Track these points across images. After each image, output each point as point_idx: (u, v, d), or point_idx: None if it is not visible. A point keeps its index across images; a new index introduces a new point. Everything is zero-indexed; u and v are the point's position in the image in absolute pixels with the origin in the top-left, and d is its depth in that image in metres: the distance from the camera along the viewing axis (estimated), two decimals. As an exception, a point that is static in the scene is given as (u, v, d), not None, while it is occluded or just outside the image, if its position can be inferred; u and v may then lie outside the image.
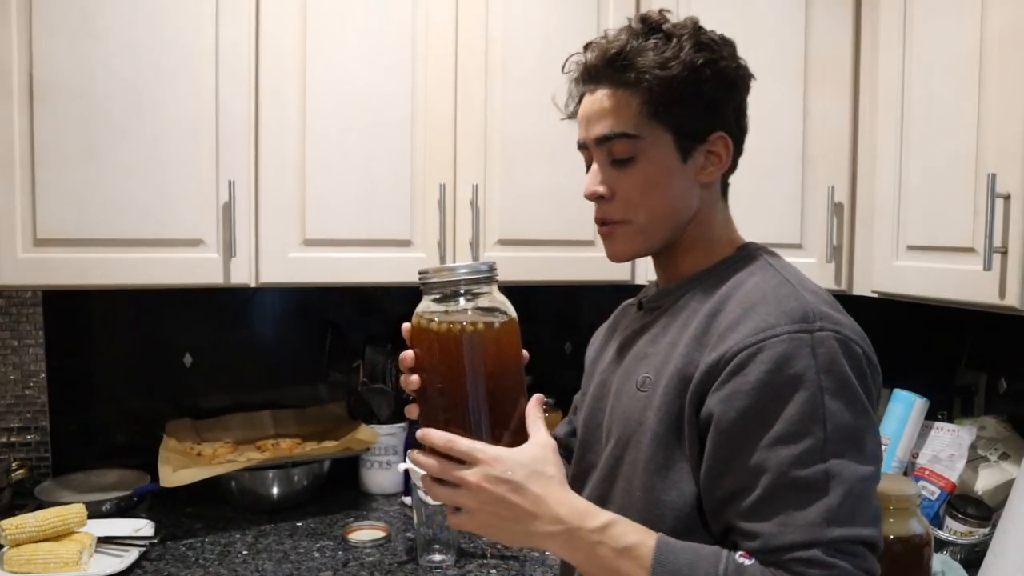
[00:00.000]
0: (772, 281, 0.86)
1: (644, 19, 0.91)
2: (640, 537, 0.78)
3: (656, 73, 0.87)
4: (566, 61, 0.96)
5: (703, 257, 0.94)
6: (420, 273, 0.84)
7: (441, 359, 0.82)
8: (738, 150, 0.94)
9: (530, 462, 0.80)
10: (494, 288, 0.86)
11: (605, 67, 0.90)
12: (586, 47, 0.94)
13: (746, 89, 0.94)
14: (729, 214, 0.98)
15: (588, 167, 0.96)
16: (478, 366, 0.82)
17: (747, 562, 0.74)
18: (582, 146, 0.96)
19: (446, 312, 0.83)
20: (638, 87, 0.89)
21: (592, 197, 0.95)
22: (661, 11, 0.92)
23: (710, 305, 0.87)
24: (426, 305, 0.84)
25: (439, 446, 0.80)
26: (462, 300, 0.83)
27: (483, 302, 0.84)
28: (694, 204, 0.93)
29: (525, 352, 0.91)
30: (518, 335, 0.87)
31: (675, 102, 0.89)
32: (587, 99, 0.94)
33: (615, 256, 0.97)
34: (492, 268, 0.85)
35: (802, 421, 0.75)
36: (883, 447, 1.55)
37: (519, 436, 0.83)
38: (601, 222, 0.96)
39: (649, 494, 0.84)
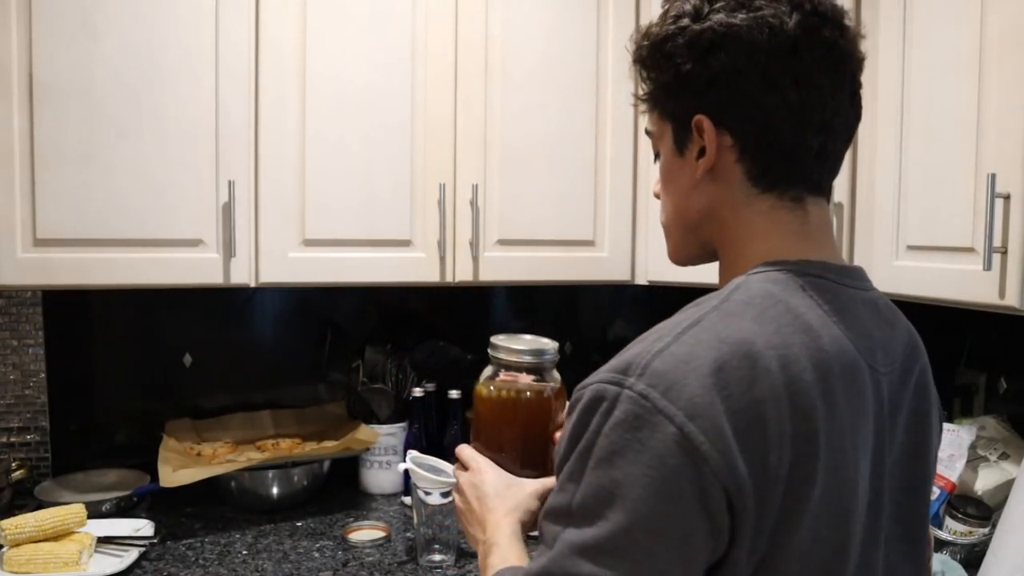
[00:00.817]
0: (677, 319, 0.69)
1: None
2: (495, 565, 0.85)
3: (644, 56, 0.78)
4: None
5: (727, 271, 0.79)
6: (491, 345, 1.06)
7: (501, 415, 1.05)
8: (744, 133, 0.74)
9: (503, 489, 0.95)
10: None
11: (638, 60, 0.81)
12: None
13: (737, 53, 0.72)
14: (794, 217, 0.76)
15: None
16: (527, 426, 1.04)
17: None
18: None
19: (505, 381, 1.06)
20: (645, 81, 0.80)
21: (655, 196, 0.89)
22: None
23: None
24: (492, 371, 1.07)
25: (459, 454, 1.03)
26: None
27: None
28: (699, 202, 0.79)
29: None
30: (564, 398, 1.04)
31: (660, 84, 0.78)
32: None
33: (670, 259, 0.88)
34: (555, 352, 1.05)
35: (568, 475, 0.66)
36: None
37: (545, 472, 1.00)
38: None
39: None
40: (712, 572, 0.64)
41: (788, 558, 0.65)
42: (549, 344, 1.07)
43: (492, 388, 1.05)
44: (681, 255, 0.85)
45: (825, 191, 0.79)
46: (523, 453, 1.03)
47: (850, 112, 0.77)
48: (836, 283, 0.75)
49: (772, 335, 0.66)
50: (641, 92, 0.81)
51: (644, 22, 0.88)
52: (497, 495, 0.95)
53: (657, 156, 0.84)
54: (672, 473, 0.60)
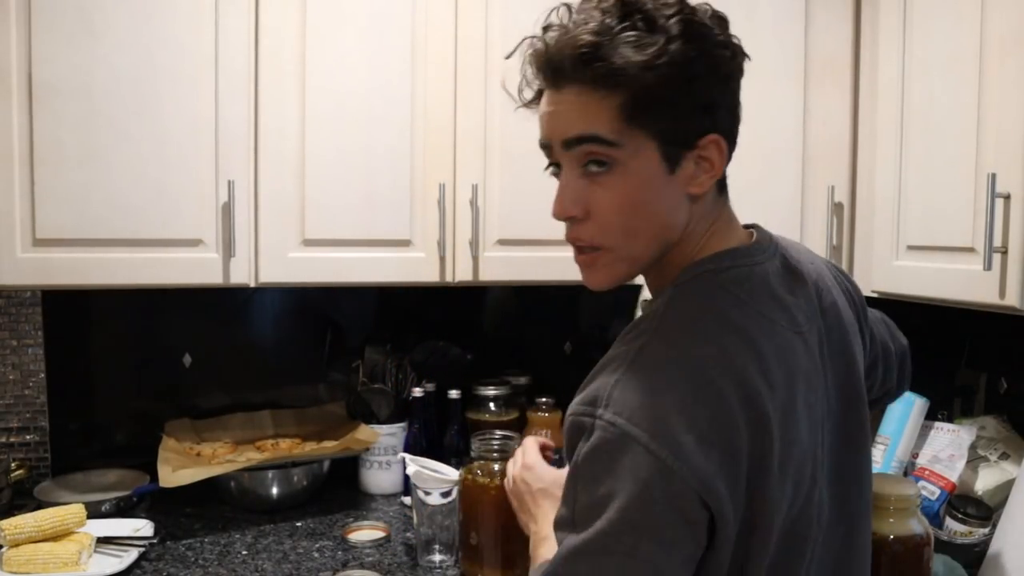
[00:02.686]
0: (625, 347, 0.76)
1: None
2: (544, 555, 0.93)
3: (637, 75, 0.73)
4: (518, 45, 0.82)
5: (668, 276, 0.83)
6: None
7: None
8: (732, 146, 0.81)
9: (550, 483, 1.05)
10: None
11: (574, 63, 0.75)
12: (545, 29, 0.79)
13: (741, 75, 0.80)
14: (724, 216, 0.84)
15: (556, 174, 0.83)
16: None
17: None
18: (544, 147, 0.83)
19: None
20: (615, 88, 0.74)
21: (560, 217, 0.81)
22: None
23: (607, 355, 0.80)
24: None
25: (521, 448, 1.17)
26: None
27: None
28: (683, 220, 0.80)
29: None
30: None
31: (661, 105, 0.74)
32: (549, 95, 0.80)
33: (596, 287, 0.83)
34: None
35: (565, 492, 0.77)
36: (883, 447, 1.55)
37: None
38: (576, 246, 0.82)
39: None
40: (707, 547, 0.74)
41: (763, 511, 0.75)
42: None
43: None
44: (625, 279, 0.83)
45: None
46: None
47: None
48: (748, 266, 0.82)
49: (709, 344, 0.75)
50: (610, 118, 0.75)
51: (554, 15, 0.82)
52: (542, 491, 1.05)
53: (598, 172, 0.78)
54: (644, 484, 0.69)
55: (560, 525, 0.76)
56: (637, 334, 0.77)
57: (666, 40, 0.73)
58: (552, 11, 0.80)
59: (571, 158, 0.79)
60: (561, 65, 0.77)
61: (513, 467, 1.14)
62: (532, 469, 1.09)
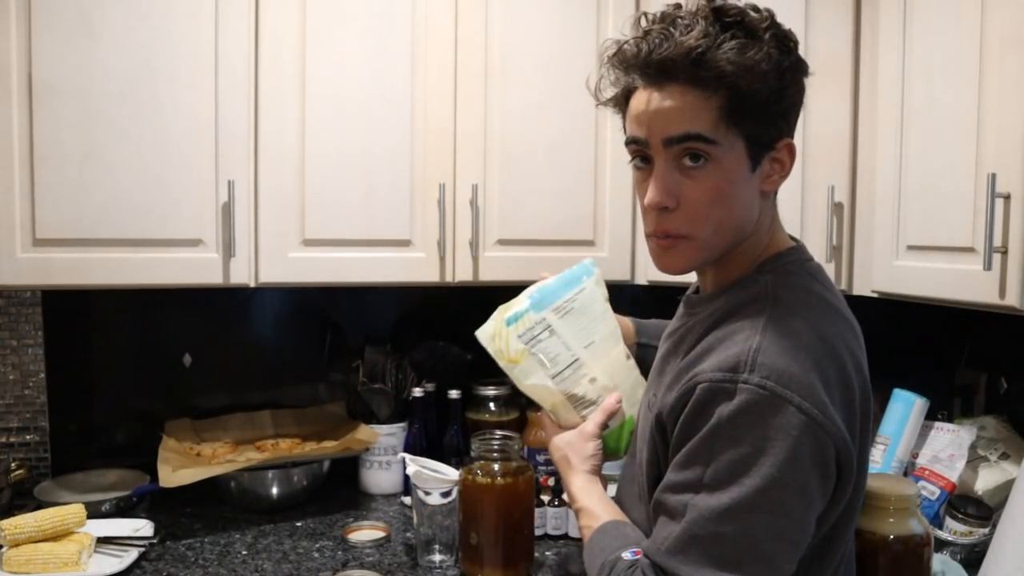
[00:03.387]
0: (748, 320, 0.83)
1: (719, 10, 0.83)
2: (590, 525, 0.98)
3: (743, 76, 0.81)
4: (608, 47, 0.88)
5: (738, 268, 0.91)
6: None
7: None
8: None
9: (564, 447, 1.08)
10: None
11: (683, 64, 0.81)
12: (646, 34, 0.85)
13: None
14: (777, 215, 0.95)
15: (641, 167, 0.89)
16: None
17: (627, 556, 0.87)
18: (636, 142, 0.88)
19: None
20: (718, 89, 0.81)
21: (655, 207, 0.86)
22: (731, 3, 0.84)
23: (703, 337, 0.87)
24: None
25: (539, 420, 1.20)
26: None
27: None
28: (756, 214, 0.89)
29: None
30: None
31: (756, 107, 0.83)
32: (650, 94, 0.85)
33: (670, 271, 0.90)
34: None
35: (692, 456, 0.81)
36: (883, 447, 1.55)
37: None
38: (663, 234, 0.88)
39: (646, 521, 0.94)
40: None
41: (861, 472, 0.87)
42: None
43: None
44: (697, 266, 0.92)
45: None
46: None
47: None
48: (814, 260, 0.94)
49: (828, 326, 0.84)
50: (711, 118, 0.82)
51: (643, 21, 0.88)
52: (562, 459, 1.08)
53: (694, 167, 0.85)
54: (796, 442, 0.76)
55: (682, 488, 0.80)
56: (756, 308, 0.84)
57: (765, 49, 0.82)
58: (639, 17, 0.88)
59: (670, 155, 0.85)
60: (668, 66, 0.83)
61: (549, 437, 1.15)
62: (553, 440, 1.12)
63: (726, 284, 0.92)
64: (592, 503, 1.01)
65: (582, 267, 1.19)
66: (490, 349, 1.10)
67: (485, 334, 1.11)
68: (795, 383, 0.77)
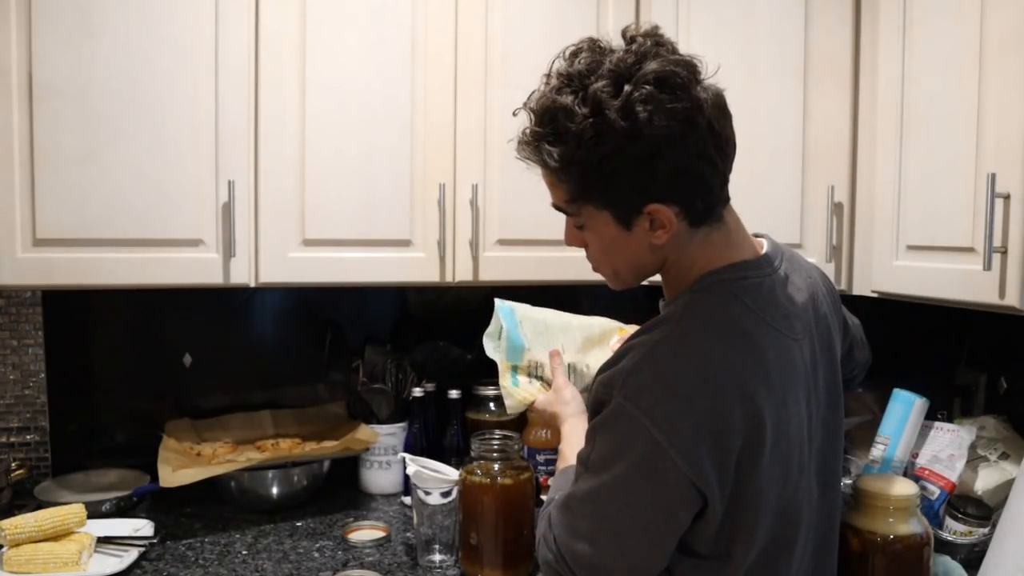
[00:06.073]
0: (645, 339, 0.92)
1: (569, 76, 0.90)
2: (559, 467, 1.13)
3: (567, 171, 0.90)
4: (518, 110, 0.99)
5: (674, 285, 0.99)
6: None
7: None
8: (697, 198, 0.90)
9: (546, 405, 1.26)
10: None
11: (531, 149, 0.93)
12: (528, 100, 0.96)
13: (696, 132, 0.86)
14: (721, 228, 0.95)
15: None
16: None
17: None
18: None
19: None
20: (559, 175, 0.92)
21: (569, 246, 1.03)
22: (639, 31, 0.91)
23: (628, 341, 0.96)
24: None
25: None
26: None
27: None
28: (658, 259, 0.96)
29: None
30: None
31: (598, 185, 0.89)
32: None
33: (614, 288, 1.04)
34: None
35: (587, 436, 0.94)
36: (883, 447, 1.55)
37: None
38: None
39: None
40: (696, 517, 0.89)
41: (752, 492, 0.89)
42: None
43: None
44: (629, 286, 1.02)
45: (728, 196, 0.96)
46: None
47: (733, 134, 0.93)
48: (757, 277, 0.95)
49: (721, 353, 0.88)
50: (564, 197, 0.94)
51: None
52: (553, 415, 1.24)
53: (580, 226, 0.97)
54: (642, 456, 0.86)
55: (579, 459, 0.95)
56: (657, 329, 0.92)
57: (597, 125, 0.85)
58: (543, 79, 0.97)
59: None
60: (526, 149, 0.95)
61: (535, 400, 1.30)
62: (537, 401, 1.29)
63: (670, 297, 1.01)
64: (566, 446, 1.15)
65: (501, 313, 1.40)
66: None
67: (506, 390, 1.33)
68: (651, 408, 0.85)
